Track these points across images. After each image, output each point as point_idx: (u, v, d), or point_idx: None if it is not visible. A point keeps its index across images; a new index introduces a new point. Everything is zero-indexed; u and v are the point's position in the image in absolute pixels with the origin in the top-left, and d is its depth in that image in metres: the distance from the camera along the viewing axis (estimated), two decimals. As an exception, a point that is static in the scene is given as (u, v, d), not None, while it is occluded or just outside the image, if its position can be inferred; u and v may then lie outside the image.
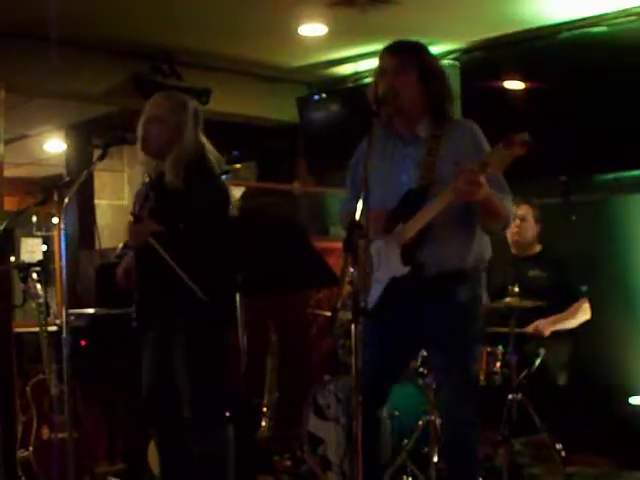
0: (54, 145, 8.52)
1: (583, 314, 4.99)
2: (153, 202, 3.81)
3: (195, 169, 3.77)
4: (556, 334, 4.90)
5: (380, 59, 3.51)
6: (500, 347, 4.68)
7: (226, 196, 3.82)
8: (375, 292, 3.45)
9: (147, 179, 3.93)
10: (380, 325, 3.42)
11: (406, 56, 3.45)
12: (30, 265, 5.04)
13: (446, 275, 3.36)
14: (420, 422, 4.61)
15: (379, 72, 3.49)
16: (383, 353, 3.48)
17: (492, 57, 6.18)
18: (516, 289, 4.64)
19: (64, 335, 3.74)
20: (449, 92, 3.51)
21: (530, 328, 4.80)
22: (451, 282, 3.38)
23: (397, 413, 4.75)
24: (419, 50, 3.52)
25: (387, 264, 3.43)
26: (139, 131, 3.83)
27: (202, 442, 3.77)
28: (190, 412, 3.74)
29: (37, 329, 4.96)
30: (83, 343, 5.41)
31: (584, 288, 5.03)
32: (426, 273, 3.36)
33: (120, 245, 4.08)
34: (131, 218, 3.83)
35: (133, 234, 3.76)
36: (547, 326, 4.84)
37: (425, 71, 3.43)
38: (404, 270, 3.36)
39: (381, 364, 3.49)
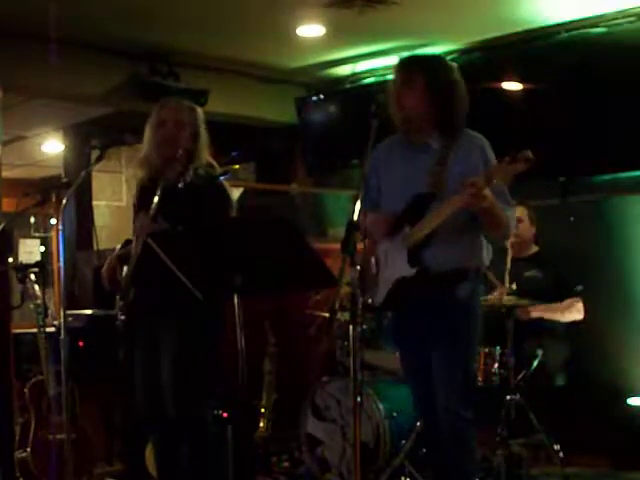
0: (52, 146, 8.51)
1: (576, 312, 4.98)
2: (166, 200, 3.82)
3: (207, 170, 3.89)
4: (553, 335, 4.90)
5: (393, 72, 3.64)
6: (498, 348, 4.68)
7: (230, 197, 3.95)
8: (381, 292, 3.58)
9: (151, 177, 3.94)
10: (398, 328, 3.69)
11: (413, 72, 3.56)
12: (28, 266, 5.04)
13: (446, 274, 3.49)
14: (418, 423, 4.61)
15: (391, 84, 3.62)
16: (411, 355, 3.69)
17: (490, 58, 6.18)
18: (514, 287, 4.66)
19: (62, 336, 3.74)
20: (460, 105, 3.58)
21: (518, 311, 4.79)
22: (451, 281, 3.51)
23: (395, 414, 4.75)
24: (429, 64, 3.62)
25: (393, 265, 3.55)
26: (166, 131, 3.85)
27: (190, 442, 3.82)
28: (177, 412, 3.78)
29: (35, 330, 4.96)
30: (81, 344, 5.41)
31: (579, 288, 5.03)
32: (432, 272, 3.48)
33: (118, 246, 4.07)
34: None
35: (145, 228, 3.77)
36: (533, 310, 4.84)
37: (432, 87, 3.52)
38: (411, 272, 3.48)
39: (420, 366, 3.62)
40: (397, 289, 3.52)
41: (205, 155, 3.94)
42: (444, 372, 3.56)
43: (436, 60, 3.70)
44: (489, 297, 4.71)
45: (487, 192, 3.29)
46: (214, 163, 3.99)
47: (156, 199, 3.78)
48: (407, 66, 3.60)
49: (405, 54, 3.71)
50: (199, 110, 4.02)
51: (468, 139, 3.57)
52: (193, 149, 3.88)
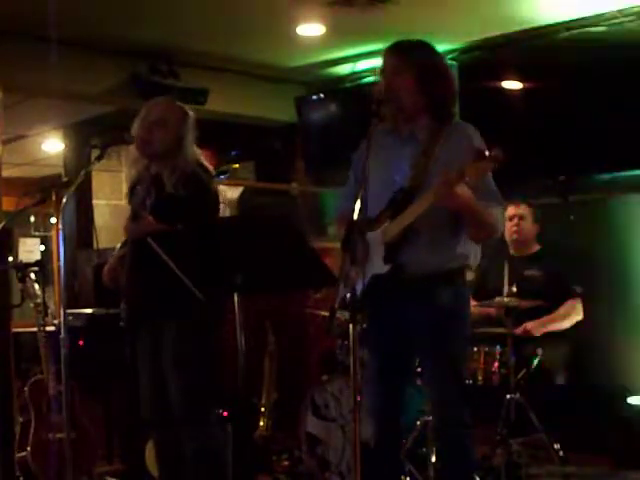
0: (52, 145, 8.50)
1: (575, 315, 4.98)
2: (153, 200, 3.82)
3: (194, 177, 3.82)
4: (553, 334, 4.90)
5: (382, 58, 3.52)
6: (498, 347, 4.68)
7: (218, 202, 3.93)
8: (358, 287, 3.35)
9: (141, 176, 3.95)
10: (375, 331, 3.46)
11: (405, 56, 3.45)
12: (28, 265, 5.04)
13: (428, 277, 3.36)
14: (418, 422, 4.61)
15: (380, 72, 3.50)
16: (384, 360, 3.52)
17: (491, 57, 6.18)
18: (514, 289, 4.65)
19: (62, 335, 3.74)
20: (451, 92, 3.50)
21: (519, 330, 4.79)
22: (434, 284, 3.38)
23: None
24: (420, 49, 3.50)
25: (370, 262, 3.37)
26: (140, 132, 3.86)
27: (194, 441, 3.81)
28: (179, 411, 3.79)
29: (35, 329, 4.95)
30: (81, 343, 5.41)
31: (578, 288, 5.02)
32: (408, 274, 3.36)
33: (118, 245, 4.08)
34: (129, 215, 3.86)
35: (131, 231, 3.78)
36: (536, 327, 4.83)
37: (424, 71, 3.41)
38: (384, 269, 3.36)
39: (384, 372, 3.52)
40: (372, 287, 3.30)
41: (190, 159, 3.88)
42: (434, 380, 3.51)
43: (428, 47, 3.53)
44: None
45: (461, 190, 3.14)
46: (205, 163, 3.95)
47: (134, 199, 3.82)
48: (399, 53, 3.47)
49: (395, 40, 3.54)
50: (189, 112, 3.98)
51: (456, 129, 3.42)
52: (173, 153, 3.84)
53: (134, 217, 3.81)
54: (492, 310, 4.95)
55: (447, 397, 3.44)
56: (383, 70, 3.48)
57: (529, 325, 4.81)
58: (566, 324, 4.95)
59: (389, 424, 3.54)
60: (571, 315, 4.96)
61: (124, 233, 3.91)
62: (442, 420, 3.53)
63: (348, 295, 2.92)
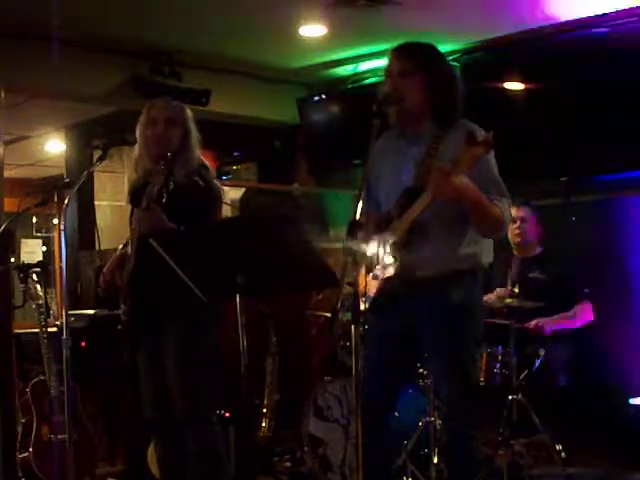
0: (54, 146, 8.52)
1: (587, 316, 4.99)
2: (164, 197, 3.82)
3: (199, 174, 3.86)
4: (556, 335, 4.90)
5: (388, 60, 3.53)
6: (500, 348, 4.68)
7: (221, 203, 3.96)
8: (372, 289, 3.46)
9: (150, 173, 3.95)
10: (380, 326, 3.48)
11: (413, 60, 3.46)
12: (30, 266, 5.04)
13: (439, 276, 3.38)
14: (420, 423, 4.61)
15: (386, 73, 3.52)
16: (385, 355, 3.52)
17: (492, 58, 6.18)
18: (516, 290, 4.65)
19: (64, 336, 3.74)
20: (456, 95, 3.50)
21: (531, 324, 4.79)
22: (445, 283, 3.39)
23: (397, 414, 4.74)
24: (427, 53, 3.53)
25: (382, 261, 3.43)
26: (156, 131, 3.85)
27: (195, 442, 3.81)
28: (181, 412, 3.79)
29: (37, 330, 4.96)
30: (83, 344, 5.42)
31: (587, 290, 5.03)
32: (419, 273, 3.39)
33: (120, 246, 4.08)
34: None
35: (143, 221, 3.77)
36: (548, 323, 4.83)
37: (431, 75, 3.44)
38: (393, 268, 3.38)
39: (384, 367, 3.52)
40: (386, 287, 3.41)
41: (197, 154, 3.92)
42: (442, 379, 3.52)
43: (434, 50, 3.56)
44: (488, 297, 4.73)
45: (459, 180, 3.16)
46: (207, 163, 3.98)
47: (147, 191, 3.82)
48: (406, 56, 3.48)
49: (400, 42, 3.56)
50: (188, 110, 4.00)
51: (461, 129, 3.40)
52: (184, 148, 3.87)
53: (146, 209, 3.80)
54: (492, 296, 4.92)
55: (454, 397, 3.45)
56: (389, 71, 3.50)
57: (542, 321, 4.80)
58: (577, 324, 4.96)
59: (379, 420, 3.56)
60: (582, 316, 4.97)
61: (135, 224, 3.89)
62: (448, 419, 3.54)
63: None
